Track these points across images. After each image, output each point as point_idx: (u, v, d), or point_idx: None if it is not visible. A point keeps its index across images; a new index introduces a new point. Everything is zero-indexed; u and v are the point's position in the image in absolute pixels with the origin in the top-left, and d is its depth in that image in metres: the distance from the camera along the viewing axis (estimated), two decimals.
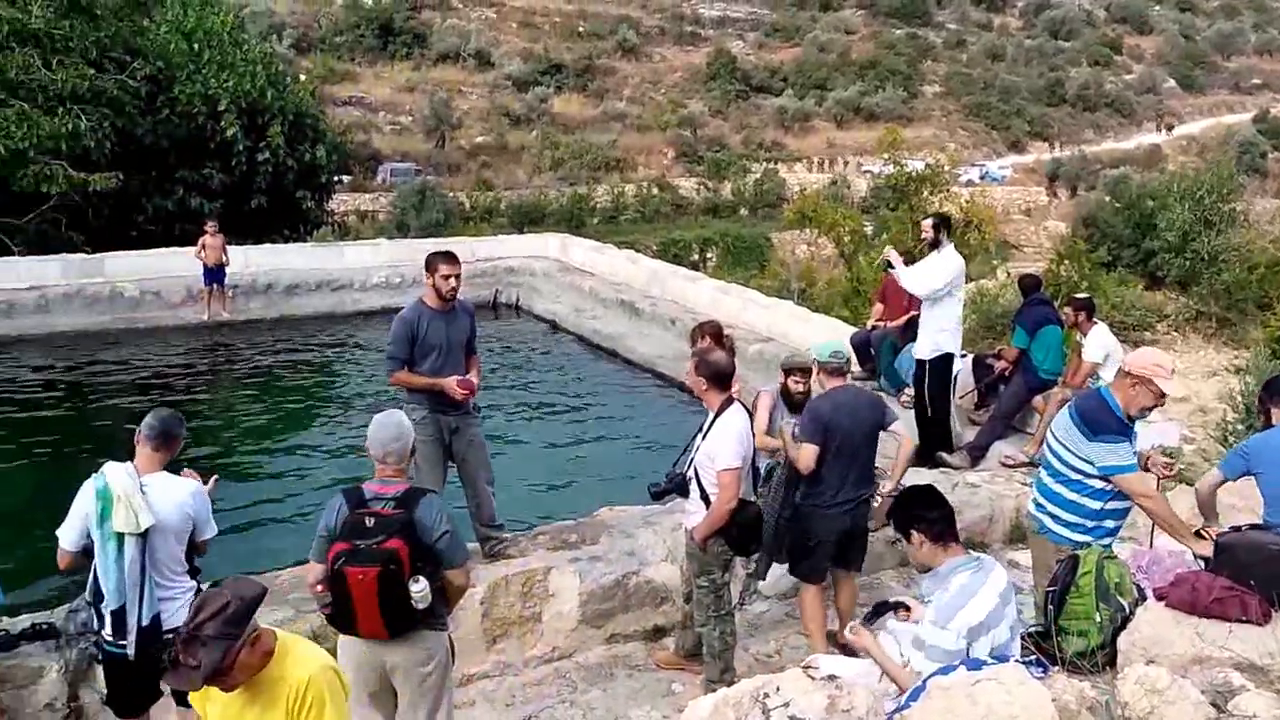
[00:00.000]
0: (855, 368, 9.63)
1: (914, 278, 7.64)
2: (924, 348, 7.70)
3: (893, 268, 7.83)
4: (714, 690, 3.56)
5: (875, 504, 5.55)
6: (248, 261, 14.58)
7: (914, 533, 3.62)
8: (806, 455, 5.16)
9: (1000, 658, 3.31)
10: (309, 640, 3.16)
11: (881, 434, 5.43)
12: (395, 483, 3.86)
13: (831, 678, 2.73)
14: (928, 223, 7.78)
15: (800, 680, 2.76)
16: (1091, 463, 4.43)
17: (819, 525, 5.30)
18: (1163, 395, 4.39)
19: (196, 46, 18.86)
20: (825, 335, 8.91)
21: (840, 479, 5.24)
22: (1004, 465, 7.72)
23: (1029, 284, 8.46)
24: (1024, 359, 7.92)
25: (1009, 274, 23.67)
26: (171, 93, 18.26)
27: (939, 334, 7.60)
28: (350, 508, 3.78)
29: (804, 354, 5.62)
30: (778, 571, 6.04)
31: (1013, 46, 78.89)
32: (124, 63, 17.23)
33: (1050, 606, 3.90)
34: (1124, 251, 21.40)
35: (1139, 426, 4.61)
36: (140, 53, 17.79)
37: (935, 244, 7.57)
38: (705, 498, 4.88)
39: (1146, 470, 4.69)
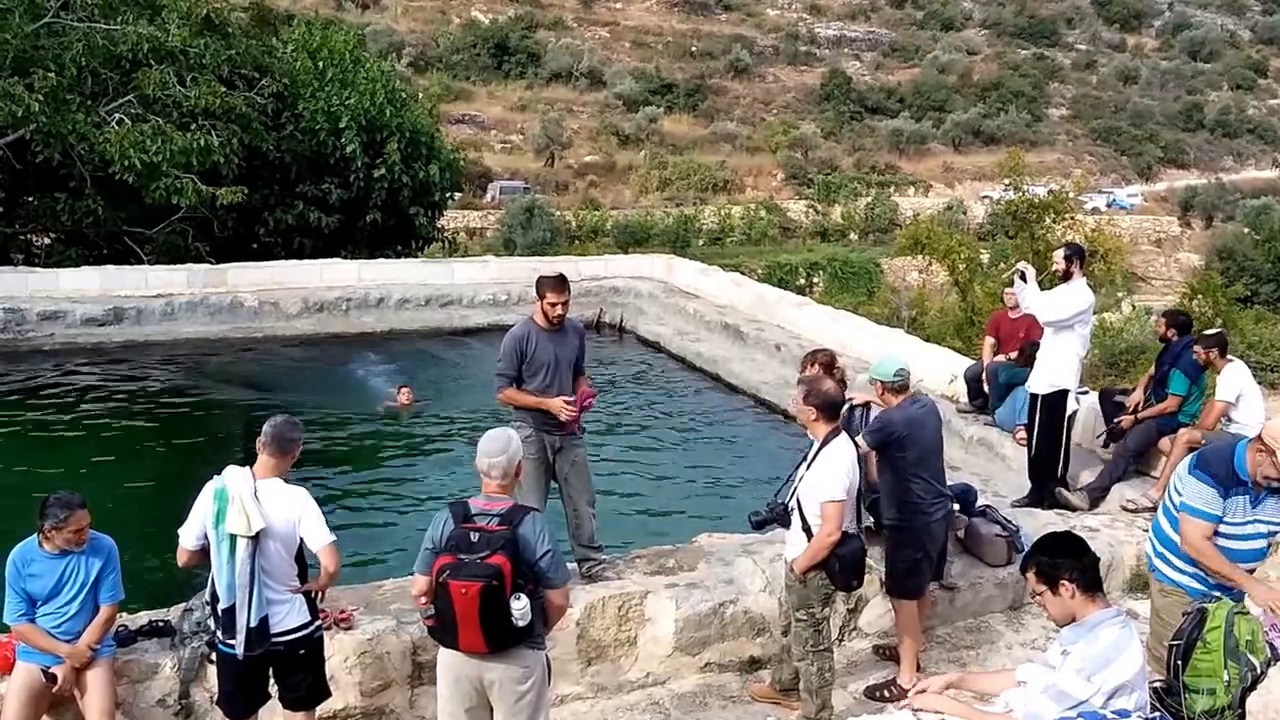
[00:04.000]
0: (963, 399, 9.42)
1: (1040, 301, 7.21)
2: (1040, 381, 7.29)
3: (1024, 280, 7.28)
4: None
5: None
6: (361, 276, 15.01)
7: (1064, 583, 3.43)
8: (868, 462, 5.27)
9: (1122, 712, 3.14)
10: None
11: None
12: (500, 499, 3.89)
13: None
14: (1060, 254, 7.31)
15: None
16: (1181, 494, 4.34)
17: (925, 537, 5.38)
18: None
19: (320, 65, 19.43)
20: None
21: (927, 489, 5.34)
22: (1125, 509, 7.32)
23: (1182, 322, 7.86)
24: (1159, 396, 7.56)
25: (1134, 307, 22.73)
26: (295, 110, 18.81)
27: (1057, 368, 7.18)
28: (456, 522, 3.81)
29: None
30: (879, 609, 5.90)
31: (1147, 68, 76.10)
32: (253, 80, 17.78)
33: (1176, 661, 3.70)
34: (1263, 287, 20.40)
35: None
36: (268, 70, 18.33)
37: (1067, 276, 7.15)
38: (807, 529, 4.78)
39: None
